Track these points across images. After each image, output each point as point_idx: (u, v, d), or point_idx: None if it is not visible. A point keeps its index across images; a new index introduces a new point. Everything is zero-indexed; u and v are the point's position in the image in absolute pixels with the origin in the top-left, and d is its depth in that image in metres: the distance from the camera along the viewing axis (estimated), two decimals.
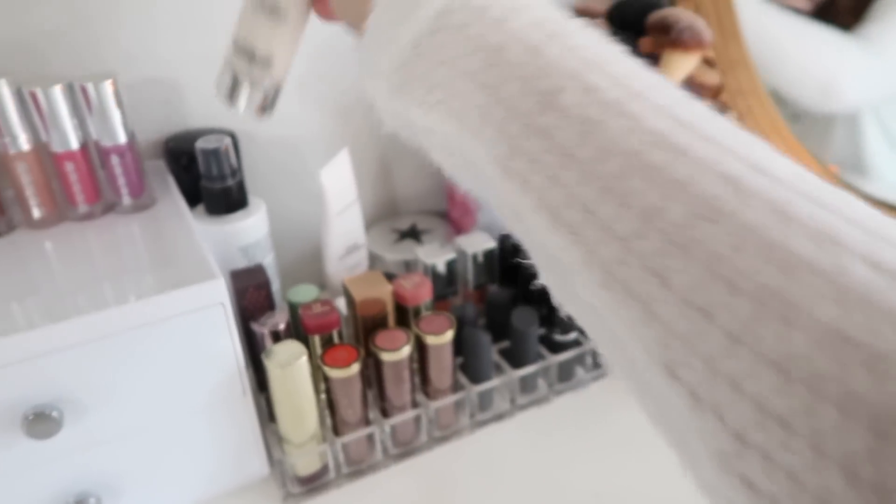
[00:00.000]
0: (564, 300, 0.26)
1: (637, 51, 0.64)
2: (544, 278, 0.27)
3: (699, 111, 0.24)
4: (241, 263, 0.56)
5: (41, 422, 0.41)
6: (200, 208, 0.57)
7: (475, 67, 0.26)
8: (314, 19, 0.38)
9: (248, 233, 0.56)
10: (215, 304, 0.45)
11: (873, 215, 0.21)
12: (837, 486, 0.17)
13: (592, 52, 0.25)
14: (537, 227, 0.24)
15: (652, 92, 0.24)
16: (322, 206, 0.58)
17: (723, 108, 0.73)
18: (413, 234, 0.73)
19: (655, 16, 0.62)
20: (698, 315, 0.20)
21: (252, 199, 0.58)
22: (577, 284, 0.24)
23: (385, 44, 0.28)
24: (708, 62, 0.71)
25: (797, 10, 0.80)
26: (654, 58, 0.64)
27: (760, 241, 0.20)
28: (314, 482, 0.51)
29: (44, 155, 0.52)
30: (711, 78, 0.66)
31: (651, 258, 0.21)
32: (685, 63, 0.63)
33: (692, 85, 0.65)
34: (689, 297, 0.20)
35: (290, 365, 0.47)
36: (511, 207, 0.26)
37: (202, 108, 0.63)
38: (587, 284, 0.23)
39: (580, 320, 0.26)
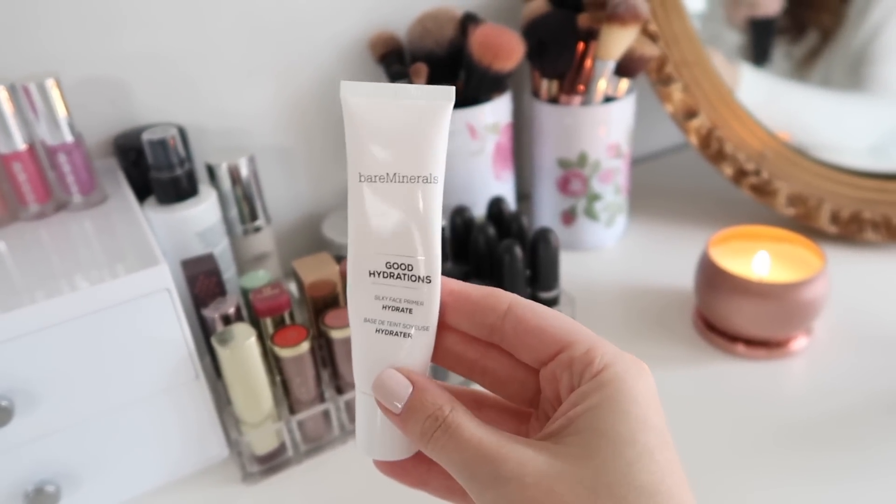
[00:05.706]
0: None
1: (576, 27, 0.66)
2: None
3: None
4: (200, 249, 0.57)
5: None
6: (153, 199, 0.58)
7: None
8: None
9: (202, 219, 0.57)
10: (160, 289, 0.46)
11: None
12: None
13: None
14: None
15: None
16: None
17: (668, 79, 0.74)
18: None
19: None
20: None
21: (202, 187, 0.59)
22: None
23: None
24: (651, 36, 0.73)
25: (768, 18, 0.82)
26: (592, 33, 0.66)
27: None
28: (272, 461, 0.53)
29: None
30: (651, 50, 0.67)
31: None
32: (623, 37, 0.64)
33: (633, 58, 0.66)
34: None
35: (238, 346, 0.48)
36: None
37: (149, 105, 0.64)
38: None
39: None
